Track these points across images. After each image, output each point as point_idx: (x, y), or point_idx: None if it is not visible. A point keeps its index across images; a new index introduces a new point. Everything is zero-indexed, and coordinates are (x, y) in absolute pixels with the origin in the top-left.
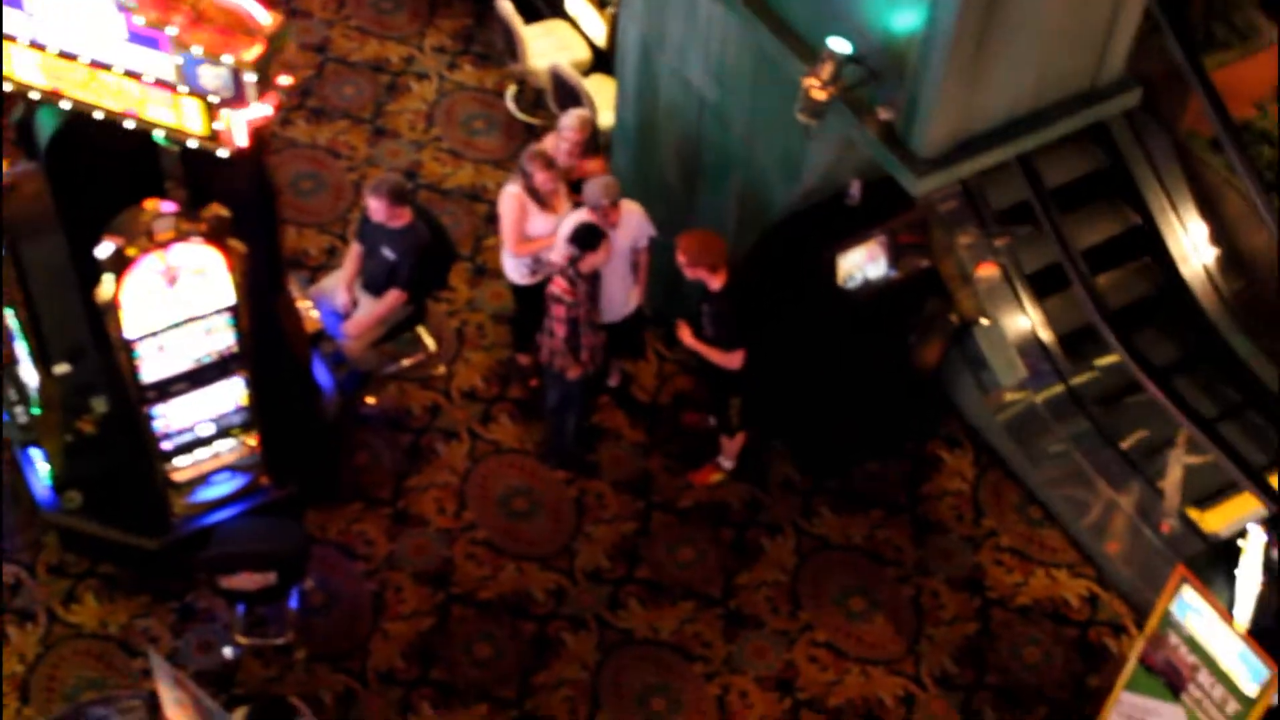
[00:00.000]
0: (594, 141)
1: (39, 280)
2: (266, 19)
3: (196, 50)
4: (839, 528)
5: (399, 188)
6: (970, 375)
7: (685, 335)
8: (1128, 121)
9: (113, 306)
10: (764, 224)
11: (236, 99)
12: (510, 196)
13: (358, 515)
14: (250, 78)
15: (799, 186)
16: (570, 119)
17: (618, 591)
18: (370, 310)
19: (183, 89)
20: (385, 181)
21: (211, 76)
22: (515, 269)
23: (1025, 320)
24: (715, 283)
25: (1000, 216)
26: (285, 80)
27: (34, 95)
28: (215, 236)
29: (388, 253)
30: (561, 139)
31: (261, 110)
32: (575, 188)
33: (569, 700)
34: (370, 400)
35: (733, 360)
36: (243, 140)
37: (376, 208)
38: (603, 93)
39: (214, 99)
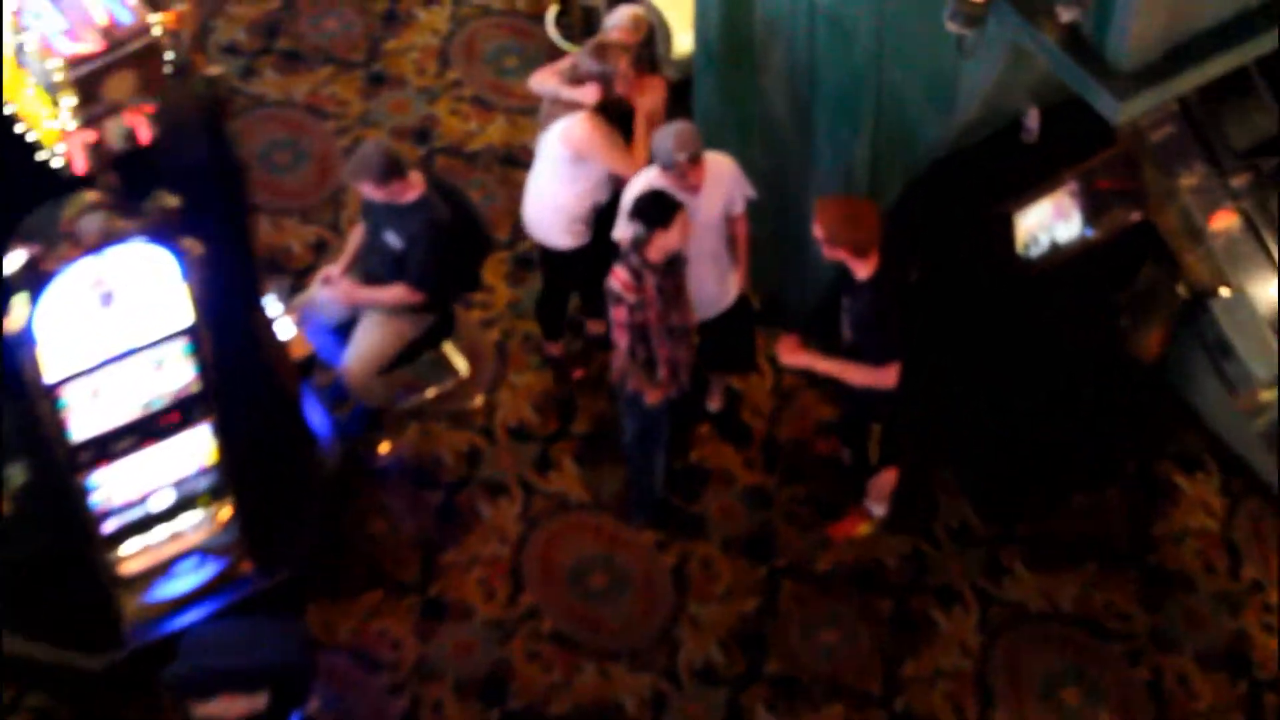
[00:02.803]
0: (650, 53)
1: None
2: (120, 18)
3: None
4: (1039, 590)
5: (385, 158)
6: (1210, 368)
7: (791, 352)
8: None
9: (27, 339)
10: (907, 174)
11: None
12: (587, 125)
13: (376, 608)
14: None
15: (953, 120)
16: (620, 17)
17: (737, 696)
18: (374, 325)
19: (28, 76)
20: (366, 155)
21: (40, 71)
22: (568, 227)
23: None
24: (863, 269)
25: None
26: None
27: None
28: (163, 234)
29: (392, 239)
30: None
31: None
32: (624, 123)
33: None
34: (385, 448)
35: (884, 377)
36: (79, 165)
37: (368, 190)
38: (676, 8)
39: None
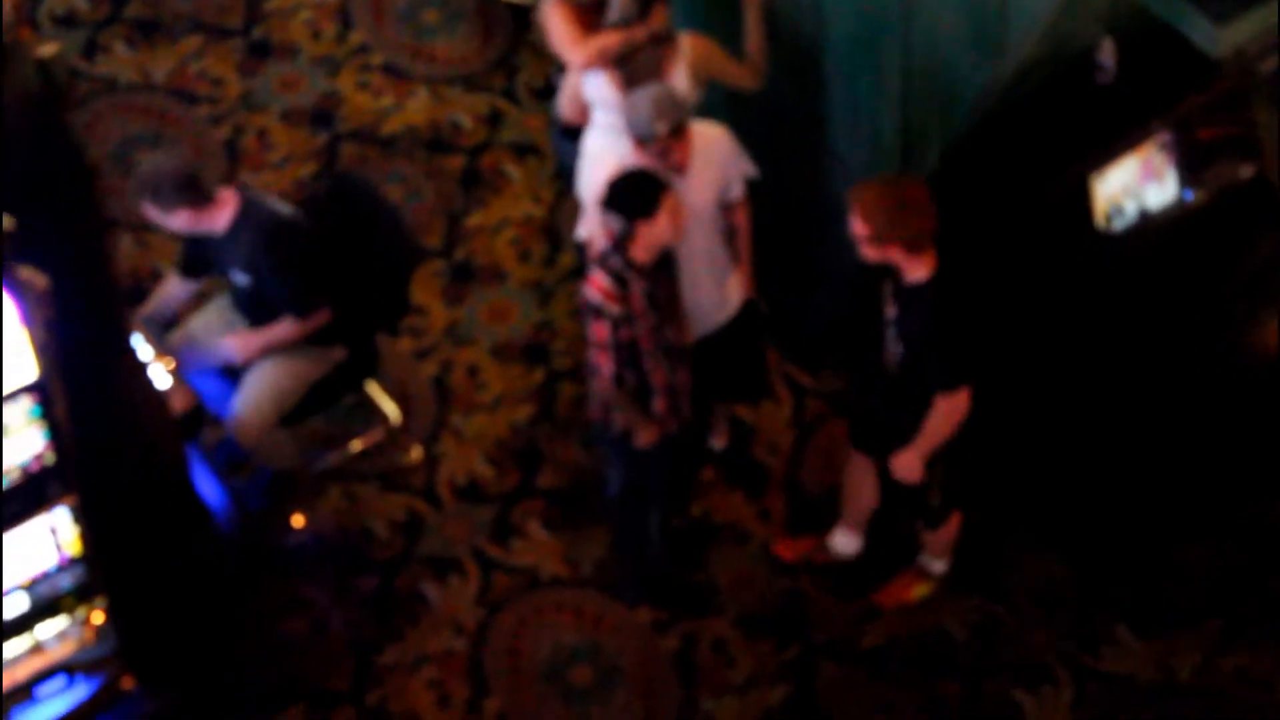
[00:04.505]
0: None
1: None
2: None
3: None
4: (1150, 660)
5: (174, 177)
6: None
7: (907, 465)
8: None
9: None
10: (948, 135)
11: None
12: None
13: None
14: None
15: (1004, 62)
16: None
17: None
18: (263, 363)
19: None
20: (150, 170)
21: None
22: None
23: None
24: (918, 269)
25: None
26: None
27: None
28: None
29: (239, 277)
30: None
31: None
32: None
33: None
34: (299, 521)
35: (955, 408)
36: None
37: (154, 216)
38: None
39: None
